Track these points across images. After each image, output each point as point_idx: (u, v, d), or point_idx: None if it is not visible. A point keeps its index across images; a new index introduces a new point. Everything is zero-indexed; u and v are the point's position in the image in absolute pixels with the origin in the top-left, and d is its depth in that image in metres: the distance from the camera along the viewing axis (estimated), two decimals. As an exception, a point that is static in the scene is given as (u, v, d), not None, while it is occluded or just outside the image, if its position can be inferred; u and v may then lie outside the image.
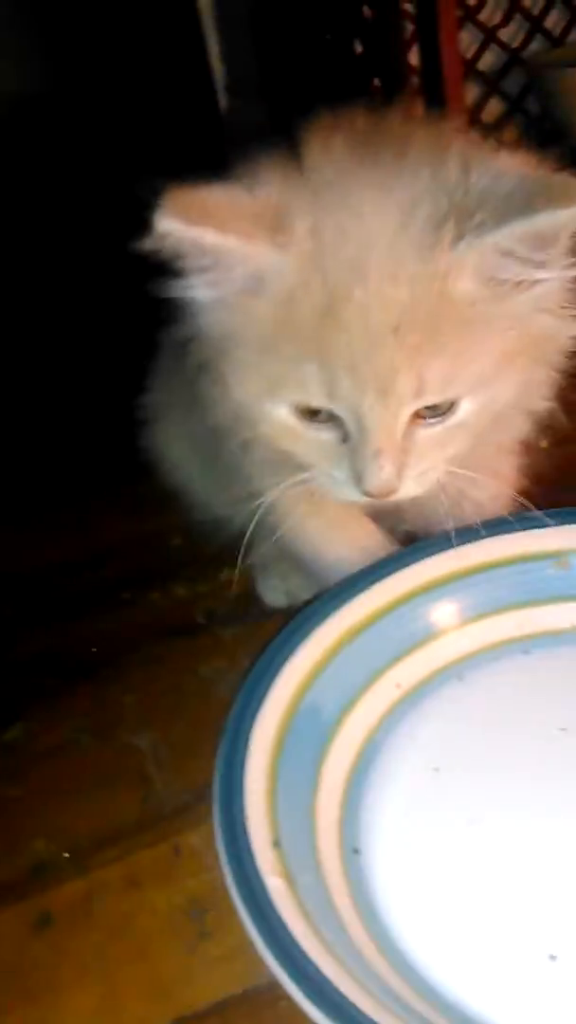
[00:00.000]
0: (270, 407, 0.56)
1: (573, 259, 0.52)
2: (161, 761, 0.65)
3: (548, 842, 0.55)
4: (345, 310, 0.51)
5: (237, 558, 0.63)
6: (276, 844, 0.52)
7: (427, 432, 0.55)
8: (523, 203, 0.49)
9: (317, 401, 0.54)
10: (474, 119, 1.44)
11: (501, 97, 1.54)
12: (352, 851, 0.56)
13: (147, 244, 0.50)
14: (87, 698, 0.71)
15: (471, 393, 0.54)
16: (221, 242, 0.50)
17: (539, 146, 0.56)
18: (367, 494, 0.55)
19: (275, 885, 0.50)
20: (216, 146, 1.23)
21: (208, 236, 0.50)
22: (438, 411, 0.55)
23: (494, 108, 1.54)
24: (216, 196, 0.51)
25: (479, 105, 1.51)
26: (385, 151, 0.54)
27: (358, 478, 0.54)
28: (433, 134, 0.56)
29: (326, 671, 0.61)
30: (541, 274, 0.52)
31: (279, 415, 0.56)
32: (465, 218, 0.50)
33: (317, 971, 0.46)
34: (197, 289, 0.54)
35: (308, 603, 0.64)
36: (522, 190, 0.50)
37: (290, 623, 0.63)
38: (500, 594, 0.67)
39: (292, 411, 0.55)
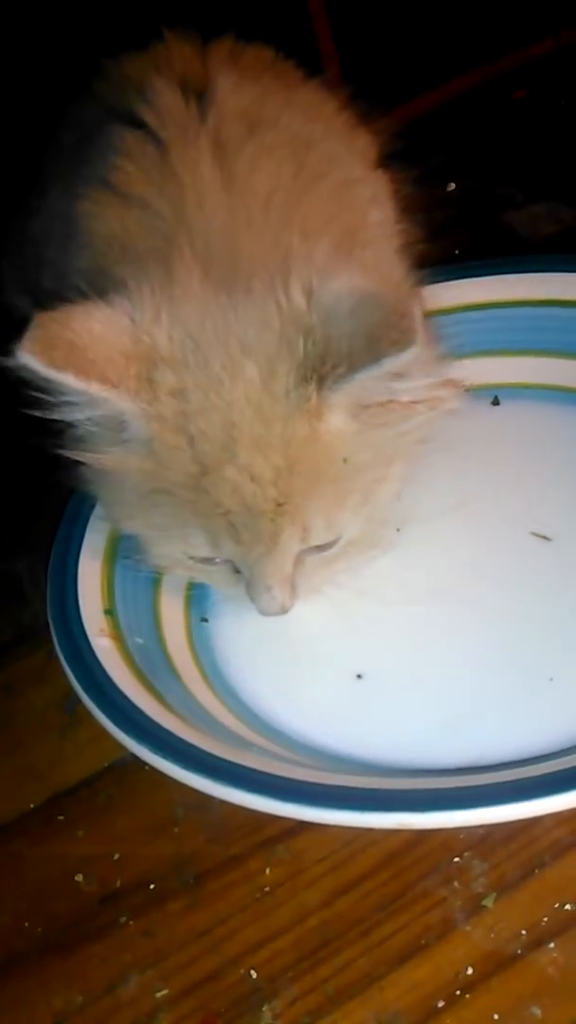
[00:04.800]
0: (159, 546, 0.53)
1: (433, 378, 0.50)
2: (37, 581, 0.67)
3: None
4: (218, 485, 0.47)
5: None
6: (108, 612, 0.55)
7: (317, 557, 0.53)
8: (368, 346, 0.45)
9: (203, 554, 0.52)
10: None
11: None
12: (200, 620, 0.59)
13: (10, 364, 0.46)
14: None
15: (354, 523, 0.52)
16: (82, 387, 0.46)
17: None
18: (262, 614, 0.53)
19: (102, 644, 0.52)
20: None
21: (67, 380, 0.46)
22: (325, 545, 0.52)
23: None
24: (91, 327, 0.46)
25: None
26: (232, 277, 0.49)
27: (253, 601, 0.53)
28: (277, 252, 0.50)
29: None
30: (403, 389, 0.49)
31: (169, 551, 0.53)
32: (319, 364, 0.46)
33: (136, 708, 0.49)
34: (64, 412, 0.49)
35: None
36: (363, 330, 0.45)
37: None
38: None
39: (182, 554, 0.53)
